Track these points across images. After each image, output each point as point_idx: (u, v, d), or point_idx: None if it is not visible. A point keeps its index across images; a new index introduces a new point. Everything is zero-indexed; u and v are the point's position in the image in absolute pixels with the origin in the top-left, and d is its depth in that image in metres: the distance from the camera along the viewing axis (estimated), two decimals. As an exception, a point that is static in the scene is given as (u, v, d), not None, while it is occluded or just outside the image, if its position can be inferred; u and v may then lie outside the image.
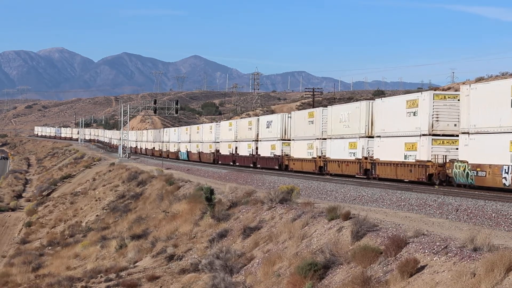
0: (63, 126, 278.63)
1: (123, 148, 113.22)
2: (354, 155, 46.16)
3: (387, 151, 41.97)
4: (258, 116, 78.65)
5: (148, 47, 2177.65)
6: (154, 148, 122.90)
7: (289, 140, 59.34)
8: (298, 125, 57.19)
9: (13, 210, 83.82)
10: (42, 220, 70.47)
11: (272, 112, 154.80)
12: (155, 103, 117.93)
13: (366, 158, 44.40)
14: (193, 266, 24.83)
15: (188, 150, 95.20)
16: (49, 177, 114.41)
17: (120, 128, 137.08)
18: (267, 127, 64.39)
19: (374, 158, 43.27)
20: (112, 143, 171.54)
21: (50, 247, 51.09)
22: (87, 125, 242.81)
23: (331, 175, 49.16)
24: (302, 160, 55.24)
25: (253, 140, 68.10)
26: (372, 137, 44.26)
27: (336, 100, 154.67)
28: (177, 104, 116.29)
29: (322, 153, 51.74)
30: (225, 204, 31.86)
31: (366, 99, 65.65)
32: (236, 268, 22.67)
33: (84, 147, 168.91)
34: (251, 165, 67.38)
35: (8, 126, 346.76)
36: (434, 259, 15.64)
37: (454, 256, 15.25)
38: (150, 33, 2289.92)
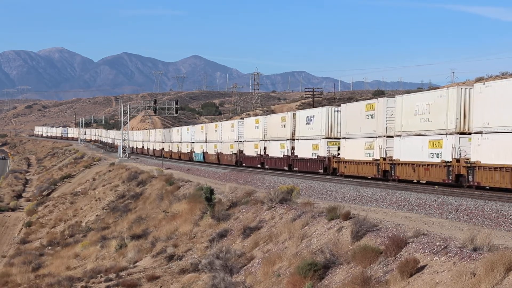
0: (63, 126, 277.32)
1: (123, 148, 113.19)
2: (438, 157, 36.87)
3: (497, 152, 31.83)
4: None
5: (148, 47, 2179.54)
6: (163, 148, 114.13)
7: (337, 138, 50.77)
8: (351, 120, 47.60)
9: (13, 210, 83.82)
10: (42, 220, 70.47)
11: (272, 112, 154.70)
12: (155, 103, 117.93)
13: (458, 160, 35.23)
14: (193, 266, 24.83)
15: (204, 151, 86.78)
16: (49, 177, 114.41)
17: (120, 128, 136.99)
18: (307, 123, 54.81)
19: (473, 160, 33.45)
20: (116, 143, 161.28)
21: (50, 247, 51.09)
22: (87, 125, 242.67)
23: (399, 181, 40.34)
24: (357, 162, 45.67)
25: (288, 139, 58.74)
26: (466, 133, 35.49)
27: (336, 100, 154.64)
28: (177, 104, 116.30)
29: (387, 154, 42.57)
30: (225, 204, 31.86)
31: (457, 85, 56.73)
32: (236, 268, 22.67)
33: (84, 147, 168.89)
34: (286, 168, 58.49)
35: (8, 126, 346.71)
36: (434, 259, 15.64)
37: (454, 256, 15.25)
38: (150, 33, 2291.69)
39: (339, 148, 49.94)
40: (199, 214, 32.41)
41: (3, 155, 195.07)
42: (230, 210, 30.86)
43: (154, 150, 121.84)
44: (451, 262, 15.05)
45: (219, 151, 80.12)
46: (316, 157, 52.45)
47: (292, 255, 20.68)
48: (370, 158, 44.12)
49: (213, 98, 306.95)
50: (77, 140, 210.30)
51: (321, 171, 51.32)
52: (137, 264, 30.32)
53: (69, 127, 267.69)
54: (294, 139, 57.81)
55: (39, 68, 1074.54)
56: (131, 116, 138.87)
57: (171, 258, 28.06)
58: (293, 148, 57.73)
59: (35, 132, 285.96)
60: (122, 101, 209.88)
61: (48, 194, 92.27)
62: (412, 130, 39.53)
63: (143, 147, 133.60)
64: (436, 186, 35.64)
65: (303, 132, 55.86)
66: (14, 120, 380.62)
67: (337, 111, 51.17)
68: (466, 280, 13.71)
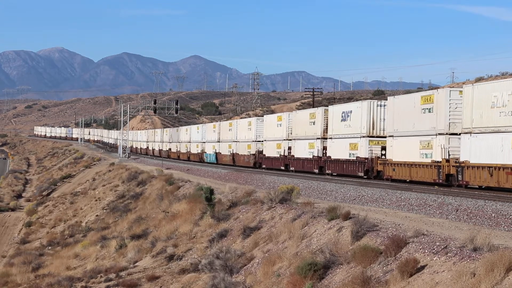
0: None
1: (123, 148, 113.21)
2: None
3: None
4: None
5: (148, 47, 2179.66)
6: (170, 149, 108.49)
7: (381, 136, 44.97)
8: (401, 115, 41.28)
9: (13, 210, 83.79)
10: (42, 220, 70.46)
11: (272, 112, 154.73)
12: (155, 103, 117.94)
13: None
14: (193, 266, 24.83)
15: (217, 151, 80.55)
16: (49, 177, 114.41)
17: (120, 128, 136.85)
18: (343, 119, 48.81)
19: None
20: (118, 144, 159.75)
21: (50, 247, 51.09)
22: (87, 125, 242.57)
23: (468, 187, 34.34)
24: (410, 165, 39.30)
25: (318, 138, 52.88)
26: None
27: (336, 100, 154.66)
28: (177, 104, 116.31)
29: (450, 155, 36.33)
30: (225, 204, 31.87)
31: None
32: (236, 268, 22.67)
33: (84, 147, 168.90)
34: (316, 171, 52.27)
35: (8, 126, 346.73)
36: (434, 259, 15.64)
37: (454, 256, 15.25)
38: (150, 33, 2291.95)
39: (383, 148, 44.14)
40: (199, 214, 32.42)
41: (3, 156, 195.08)
42: (230, 210, 30.86)
43: (160, 150, 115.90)
44: (451, 262, 15.05)
45: (234, 152, 74.09)
46: (354, 158, 46.23)
47: (292, 255, 20.68)
48: (428, 160, 37.80)
49: (213, 98, 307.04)
50: (82, 141, 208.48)
51: (361, 173, 45.32)
52: (137, 264, 30.32)
53: (70, 127, 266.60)
54: (326, 138, 51.87)
55: (39, 68, 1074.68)
56: (131, 116, 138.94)
57: (171, 258, 28.07)
58: (324, 148, 51.78)
59: (36, 133, 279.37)
60: (122, 101, 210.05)
61: (48, 194, 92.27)
62: (488, 126, 32.88)
63: (147, 147, 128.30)
64: (436, 186, 35.59)
65: (337, 130, 49.72)
66: (14, 120, 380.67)
67: (381, 106, 45.49)
68: (466, 280, 13.71)
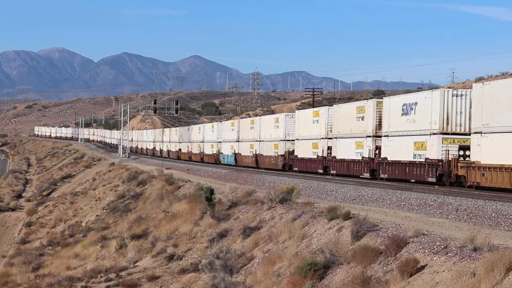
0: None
1: (123, 148, 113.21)
2: None
3: None
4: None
5: (148, 47, 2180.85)
6: (180, 150, 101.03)
7: (459, 134, 37.25)
8: (495, 106, 32.35)
9: (13, 210, 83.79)
10: (42, 220, 70.47)
11: (272, 112, 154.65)
12: (155, 103, 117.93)
13: None
14: (193, 266, 24.83)
15: (237, 152, 72.85)
16: (49, 177, 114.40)
17: (120, 128, 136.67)
18: (404, 113, 40.44)
19: None
20: (126, 145, 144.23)
21: (50, 247, 51.10)
22: (87, 125, 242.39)
23: None
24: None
25: (369, 136, 45.01)
26: None
27: (336, 100, 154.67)
28: (177, 104, 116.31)
29: None
30: (225, 204, 31.87)
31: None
32: (236, 268, 22.67)
33: (84, 147, 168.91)
34: (366, 175, 44.60)
35: (8, 126, 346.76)
36: (434, 259, 15.64)
37: (454, 256, 15.25)
38: (150, 33, 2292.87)
39: (461, 148, 36.83)
40: (199, 214, 32.42)
41: (3, 156, 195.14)
42: (230, 210, 30.86)
43: (169, 151, 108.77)
44: (451, 262, 15.05)
45: (258, 152, 65.99)
46: (422, 160, 38.23)
47: (292, 255, 20.68)
48: None
49: (213, 98, 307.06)
50: (87, 141, 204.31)
51: (431, 179, 37.31)
52: (137, 264, 30.33)
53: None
54: (378, 136, 44.04)
55: (39, 68, 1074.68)
56: (131, 116, 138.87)
57: (171, 258, 28.07)
58: (377, 148, 43.97)
59: (40, 133, 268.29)
60: (122, 101, 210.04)
61: (48, 194, 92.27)
62: None
63: (154, 148, 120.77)
64: (436, 186, 35.58)
65: (396, 126, 41.31)
66: (14, 120, 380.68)
67: (457, 95, 37.55)
68: (466, 280, 13.71)
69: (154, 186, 56.13)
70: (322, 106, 63.84)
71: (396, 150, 41.14)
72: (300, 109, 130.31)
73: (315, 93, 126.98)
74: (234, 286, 20.69)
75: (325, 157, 51.44)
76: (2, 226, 72.74)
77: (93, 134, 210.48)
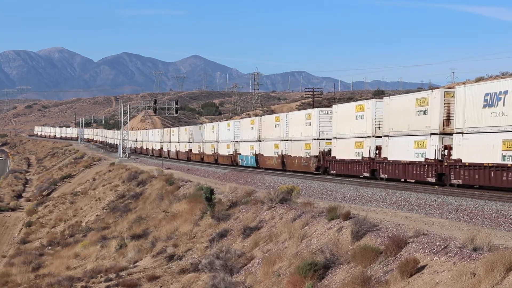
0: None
1: (123, 148, 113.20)
2: None
3: None
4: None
5: (148, 47, 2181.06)
6: (190, 150, 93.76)
7: None
8: None
9: (13, 210, 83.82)
10: (42, 220, 70.49)
11: (272, 112, 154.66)
12: (155, 103, 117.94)
13: None
14: (193, 266, 24.84)
15: (258, 153, 65.54)
16: (49, 177, 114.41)
17: (120, 128, 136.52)
18: (488, 105, 32.84)
19: None
20: (131, 146, 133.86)
21: (50, 247, 51.11)
22: (87, 125, 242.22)
23: None
24: None
25: (434, 134, 37.50)
26: None
27: (336, 100, 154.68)
28: (177, 104, 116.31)
29: None
30: (225, 204, 31.87)
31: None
32: (236, 268, 22.68)
33: (84, 147, 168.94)
34: (431, 179, 37.28)
35: (8, 126, 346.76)
36: (434, 259, 15.64)
37: (454, 256, 15.25)
38: (150, 33, 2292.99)
39: None
40: (199, 214, 32.43)
41: (3, 156, 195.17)
42: (230, 210, 30.86)
43: (177, 152, 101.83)
44: (451, 262, 15.05)
45: (284, 153, 58.59)
46: None
47: (292, 255, 20.68)
48: None
49: (213, 98, 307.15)
50: (92, 141, 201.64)
51: None
52: (137, 264, 30.33)
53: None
54: (448, 133, 36.82)
55: (39, 68, 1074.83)
56: (131, 116, 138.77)
57: (171, 258, 28.08)
58: (446, 148, 36.68)
59: (43, 133, 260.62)
60: (122, 101, 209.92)
61: (48, 194, 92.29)
62: None
63: (161, 148, 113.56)
64: (436, 186, 35.57)
65: (475, 121, 33.85)
66: (14, 120, 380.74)
67: None
68: (466, 280, 13.71)
69: (154, 186, 56.14)
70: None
71: (475, 150, 33.63)
72: (300, 109, 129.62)
73: (315, 93, 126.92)
74: (234, 286, 20.69)
75: (373, 159, 43.59)
76: (2, 226, 72.75)
77: (96, 135, 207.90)
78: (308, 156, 53.44)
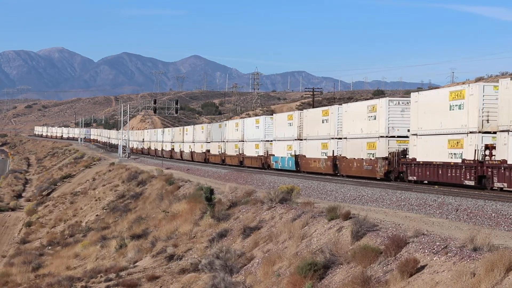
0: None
1: (123, 148, 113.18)
2: None
3: None
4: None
5: (148, 47, 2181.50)
6: (208, 151, 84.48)
7: None
8: None
9: (13, 210, 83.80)
10: (42, 220, 70.48)
11: (272, 112, 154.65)
12: (155, 103, 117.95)
13: None
14: (193, 266, 24.84)
15: (298, 154, 55.57)
16: (49, 177, 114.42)
17: (120, 128, 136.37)
18: None
19: None
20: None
21: (50, 247, 51.11)
22: (87, 125, 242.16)
23: None
24: None
25: None
26: None
27: (336, 100, 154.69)
28: (177, 104, 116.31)
29: None
30: (225, 204, 31.87)
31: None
32: (236, 268, 22.68)
33: (84, 147, 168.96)
34: None
35: (8, 126, 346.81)
36: (434, 259, 15.64)
37: (454, 256, 15.25)
38: (150, 33, 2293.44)
39: None
40: (199, 214, 32.42)
41: (3, 156, 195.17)
42: (230, 210, 30.86)
43: (192, 153, 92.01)
44: (451, 262, 15.05)
45: (336, 154, 48.95)
46: None
47: (292, 255, 20.68)
48: None
49: (213, 98, 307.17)
50: (96, 141, 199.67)
51: None
52: (137, 264, 30.32)
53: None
54: None
55: (39, 68, 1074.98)
56: (131, 116, 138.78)
57: (171, 258, 28.07)
58: None
59: (49, 134, 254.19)
60: (122, 101, 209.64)
61: (48, 194, 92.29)
62: None
63: (172, 149, 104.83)
64: (436, 186, 35.58)
65: None
66: (14, 120, 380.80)
67: None
68: (466, 280, 13.72)
69: (154, 186, 56.13)
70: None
71: None
72: (300, 109, 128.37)
73: (315, 93, 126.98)
74: (234, 286, 20.70)
75: (481, 162, 33.13)
76: (2, 226, 72.75)
77: (99, 135, 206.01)
78: (372, 158, 43.27)
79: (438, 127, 36.58)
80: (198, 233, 30.13)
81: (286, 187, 31.13)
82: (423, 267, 15.47)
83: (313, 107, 76.93)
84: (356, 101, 47.66)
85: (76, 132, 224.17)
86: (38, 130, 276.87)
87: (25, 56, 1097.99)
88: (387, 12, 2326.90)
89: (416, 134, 38.56)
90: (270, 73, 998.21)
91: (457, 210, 25.92)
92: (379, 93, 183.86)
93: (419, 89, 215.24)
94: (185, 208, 35.45)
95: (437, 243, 16.50)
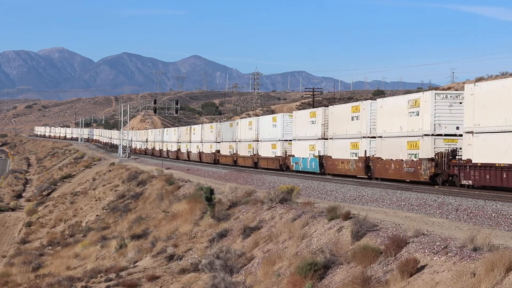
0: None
1: (123, 148, 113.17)
2: None
3: None
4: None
5: (148, 47, 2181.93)
6: (218, 151, 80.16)
7: None
8: None
9: (13, 210, 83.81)
10: (42, 220, 70.48)
11: (272, 112, 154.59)
12: (155, 103, 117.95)
13: None
14: (193, 266, 24.83)
15: (323, 154, 51.11)
16: (49, 177, 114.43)
17: (120, 128, 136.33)
18: None
19: None
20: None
21: (50, 247, 51.11)
22: (87, 125, 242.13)
23: None
24: None
25: None
26: None
27: (336, 100, 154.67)
28: (177, 104, 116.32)
29: None
30: (225, 204, 31.86)
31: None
32: (236, 268, 22.67)
33: (84, 147, 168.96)
34: None
35: (8, 126, 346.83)
36: (434, 259, 15.64)
37: (454, 256, 15.25)
38: (150, 33, 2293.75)
39: None
40: (199, 214, 32.42)
41: (3, 156, 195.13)
42: (230, 210, 30.86)
43: (200, 153, 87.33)
44: (451, 262, 15.05)
45: (370, 154, 43.99)
46: None
47: (292, 255, 20.68)
48: None
49: (213, 98, 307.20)
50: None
51: None
52: (137, 264, 30.32)
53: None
54: None
55: (39, 68, 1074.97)
56: (131, 116, 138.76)
57: (171, 258, 28.07)
58: None
59: (52, 134, 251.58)
60: (122, 101, 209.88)
61: (48, 194, 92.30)
62: None
63: (179, 149, 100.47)
64: (437, 186, 35.56)
65: None
66: (14, 120, 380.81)
67: None
68: (466, 280, 13.71)
69: (154, 186, 56.13)
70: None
71: None
72: (300, 109, 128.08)
73: (315, 93, 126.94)
74: (234, 286, 20.69)
75: None
76: (2, 226, 72.75)
77: (101, 135, 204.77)
78: (415, 160, 38.36)
79: (502, 123, 30.92)
80: (198, 233, 30.12)
81: (286, 187, 31.13)
82: (423, 267, 15.46)
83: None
84: (389, 98, 42.43)
85: (80, 132, 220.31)
86: (41, 130, 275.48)
87: (25, 56, 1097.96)
88: (387, 12, 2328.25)
89: (471, 132, 32.97)
90: (270, 73, 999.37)
91: (457, 210, 25.91)
92: (379, 93, 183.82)
93: (419, 89, 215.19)
94: (185, 208, 35.45)
95: (437, 243, 16.50)
